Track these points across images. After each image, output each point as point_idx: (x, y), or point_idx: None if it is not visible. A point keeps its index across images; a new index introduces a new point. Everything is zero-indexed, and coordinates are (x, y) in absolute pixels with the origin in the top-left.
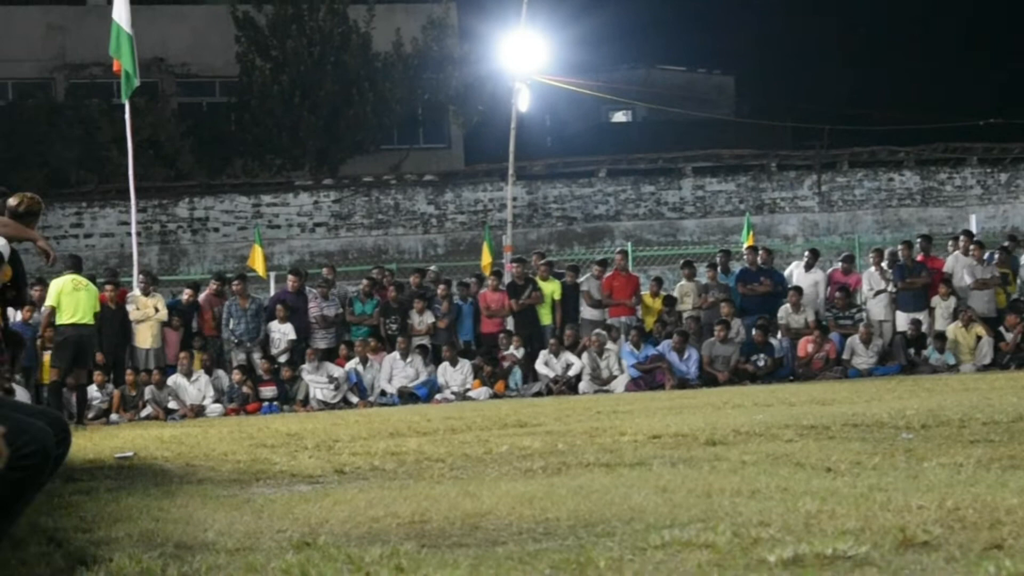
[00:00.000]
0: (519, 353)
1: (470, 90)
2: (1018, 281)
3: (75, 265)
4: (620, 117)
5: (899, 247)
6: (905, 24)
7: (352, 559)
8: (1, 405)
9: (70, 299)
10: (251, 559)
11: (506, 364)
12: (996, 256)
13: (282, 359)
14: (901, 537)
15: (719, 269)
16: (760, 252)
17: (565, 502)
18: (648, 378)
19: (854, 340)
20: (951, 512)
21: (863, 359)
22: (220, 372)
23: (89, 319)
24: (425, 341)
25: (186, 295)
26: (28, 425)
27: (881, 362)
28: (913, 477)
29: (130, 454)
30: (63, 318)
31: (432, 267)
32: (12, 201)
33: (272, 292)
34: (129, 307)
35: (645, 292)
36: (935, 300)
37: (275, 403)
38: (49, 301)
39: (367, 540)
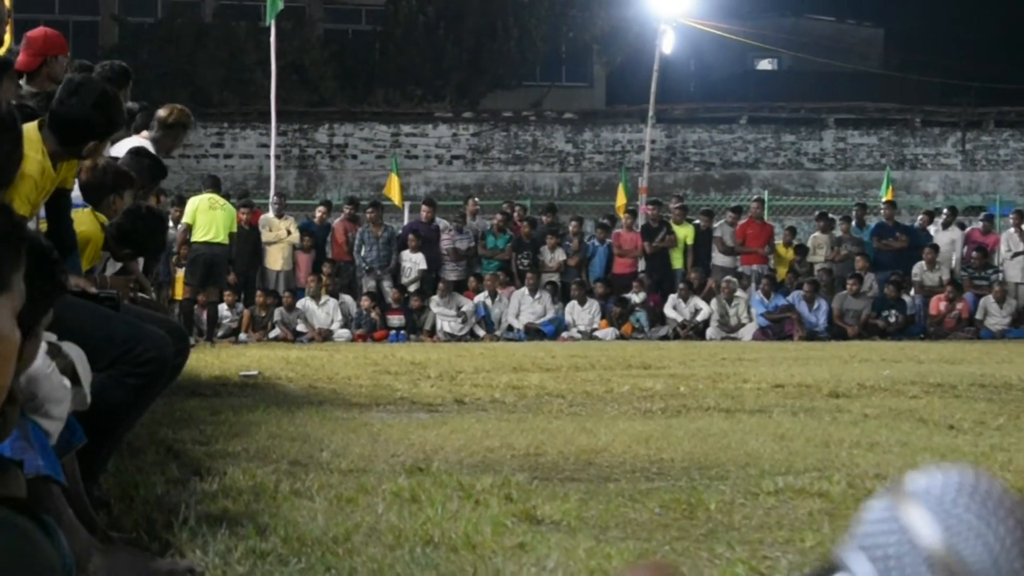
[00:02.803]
0: (638, 298)
1: (615, 30)
2: None
3: (214, 184)
4: (766, 65)
5: None
6: None
7: (463, 486)
8: (124, 311)
9: (205, 217)
10: (363, 480)
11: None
12: None
13: (412, 288)
14: (1021, 498)
15: (854, 222)
16: (894, 208)
17: (681, 443)
18: (776, 328)
19: (988, 300)
20: None
21: (996, 320)
22: (347, 298)
23: (223, 238)
24: (555, 278)
25: (319, 213)
26: (148, 332)
27: (1015, 324)
28: None
29: (255, 373)
30: (197, 236)
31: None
32: (162, 112)
33: (406, 222)
34: (262, 228)
35: (779, 242)
36: None
37: (402, 332)
38: (185, 219)
39: (480, 469)
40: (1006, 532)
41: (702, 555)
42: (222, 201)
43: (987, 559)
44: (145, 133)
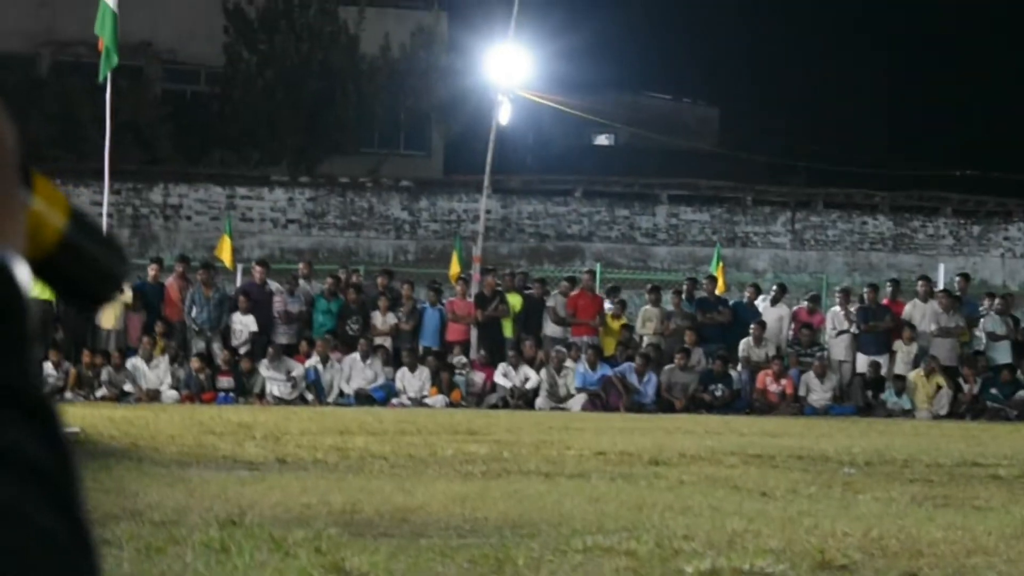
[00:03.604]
0: (461, 360)
1: (454, 100)
2: (976, 332)
3: None
4: (602, 140)
5: (865, 290)
6: (894, 73)
7: (274, 539)
8: None
9: None
10: (174, 532)
11: (456, 371)
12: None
13: (242, 350)
14: (820, 559)
15: (684, 296)
16: (717, 282)
17: (497, 504)
18: (604, 399)
19: (809, 375)
20: (874, 541)
21: (818, 395)
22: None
23: (47, 295)
24: (387, 343)
25: (152, 272)
26: None
27: (838, 401)
28: (845, 507)
29: (76, 430)
30: None
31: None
32: None
33: (239, 284)
34: None
35: (608, 314)
36: (897, 344)
37: (231, 394)
38: None
39: (294, 524)
40: None
41: None
42: None
43: None
44: None
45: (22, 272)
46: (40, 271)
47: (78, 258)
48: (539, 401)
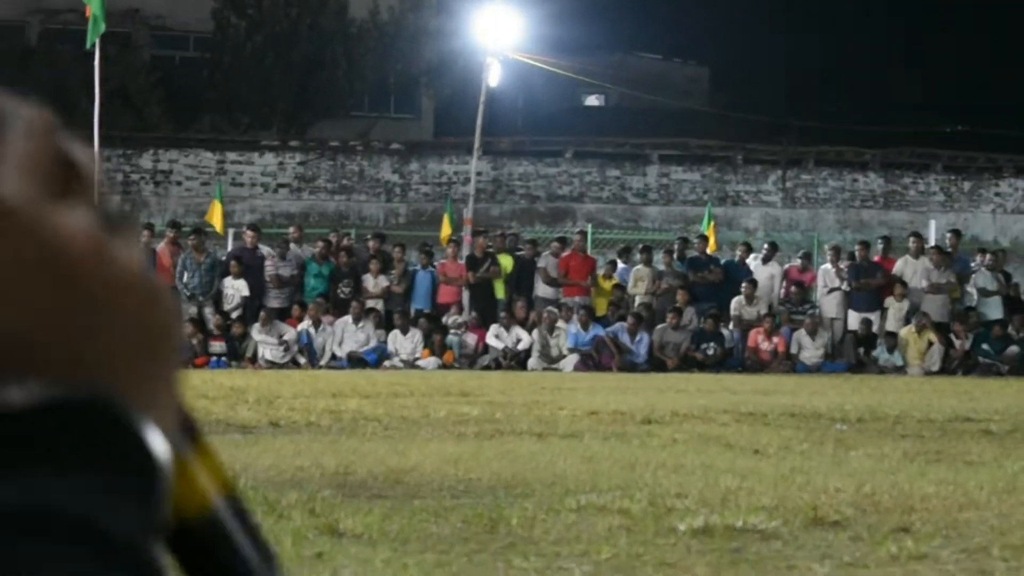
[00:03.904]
0: (457, 320)
1: (443, 63)
2: (967, 288)
3: None
4: (593, 101)
5: (857, 247)
6: (883, 29)
7: (269, 501)
8: None
9: None
10: None
11: (451, 331)
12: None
13: (234, 315)
14: (812, 515)
15: (675, 256)
16: (708, 242)
17: (490, 464)
18: (596, 359)
19: (800, 333)
20: (867, 496)
21: (810, 352)
22: None
23: None
24: (379, 305)
25: (143, 237)
26: None
27: (830, 358)
28: (837, 463)
29: None
30: None
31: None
32: None
33: (230, 249)
34: None
35: (600, 274)
36: (888, 301)
37: (223, 358)
38: None
39: (287, 486)
40: None
41: (499, 567)
42: None
43: None
44: None
45: (155, 438)
46: (172, 540)
47: (219, 541)
48: (531, 362)
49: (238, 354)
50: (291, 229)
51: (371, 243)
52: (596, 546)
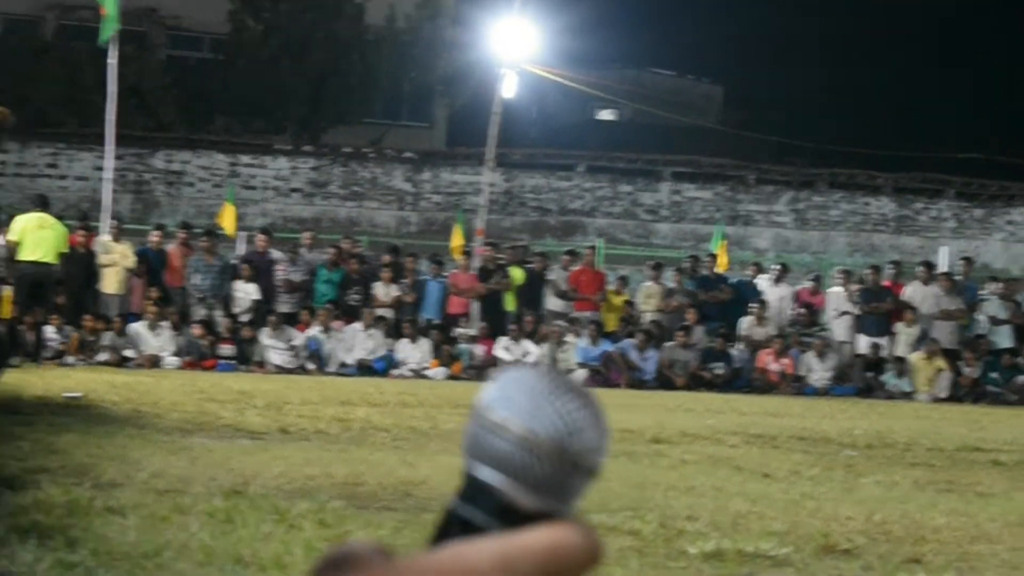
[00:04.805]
0: (468, 331)
1: (458, 73)
2: (977, 316)
3: (42, 203)
4: (607, 115)
5: (867, 271)
6: (898, 54)
7: (278, 510)
8: None
9: (33, 236)
10: (179, 501)
11: (459, 342)
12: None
13: (244, 318)
14: (824, 543)
15: (686, 274)
16: (719, 260)
17: None
18: (605, 375)
19: (809, 355)
20: (878, 525)
21: (818, 375)
22: (184, 327)
23: (51, 258)
24: (389, 314)
25: (154, 238)
26: None
27: (838, 382)
28: (848, 490)
29: (79, 394)
30: (24, 255)
31: (398, 245)
32: None
33: (241, 252)
34: (97, 252)
35: (610, 289)
36: (898, 326)
37: (232, 362)
38: (12, 236)
39: (297, 495)
40: (561, 401)
41: None
42: (52, 221)
43: (560, 425)
44: None
45: None
46: None
47: None
48: None
49: (247, 357)
50: (305, 235)
51: (385, 257)
52: (608, 569)
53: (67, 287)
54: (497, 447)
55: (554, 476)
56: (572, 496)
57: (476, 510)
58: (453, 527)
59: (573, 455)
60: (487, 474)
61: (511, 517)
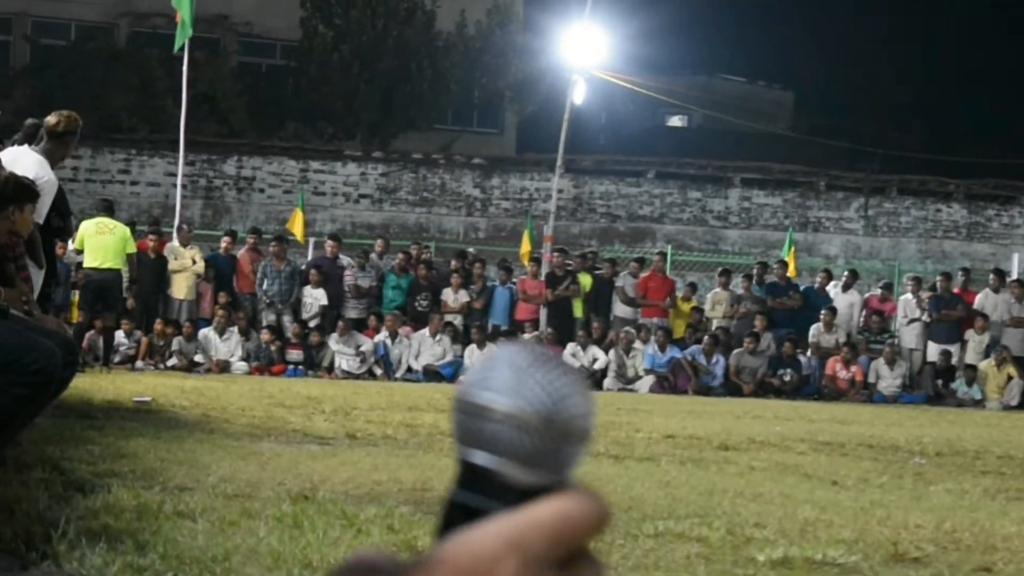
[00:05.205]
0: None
1: (528, 79)
2: None
3: (105, 208)
4: (676, 122)
5: (938, 278)
6: (971, 62)
7: (347, 515)
8: (16, 322)
9: (93, 242)
10: (247, 505)
11: None
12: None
13: (312, 324)
14: (893, 551)
15: (754, 281)
16: (788, 267)
17: None
18: (673, 381)
19: (879, 362)
20: (947, 533)
21: (887, 382)
22: (252, 333)
23: (113, 263)
24: (457, 320)
25: (224, 244)
26: (37, 343)
27: (908, 390)
28: (917, 498)
29: (148, 399)
30: (87, 261)
31: (471, 249)
32: (51, 119)
33: (310, 258)
34: (168, 257)
35: (679, 296)
36: (969, 333)
37: (300, 367)
38: (75, 244)
39: (365, 500)
40: (546, 376)
41: None
42: (112, 224)
43: (546, 399)
44: (35, 147)
45: None
46: None
47: None
48: (607, 382)
49: (315, 363)
50: (377, 242)
51: (454, 263)
52: (674, 574)
53: (138, 291)
54: (485, 429)
55: (546, 448)
56: (568, 465)
57: (475, 495)
58: (456, 517)
59: (562, 424)
60: (480, 457)
61: (511, 496)
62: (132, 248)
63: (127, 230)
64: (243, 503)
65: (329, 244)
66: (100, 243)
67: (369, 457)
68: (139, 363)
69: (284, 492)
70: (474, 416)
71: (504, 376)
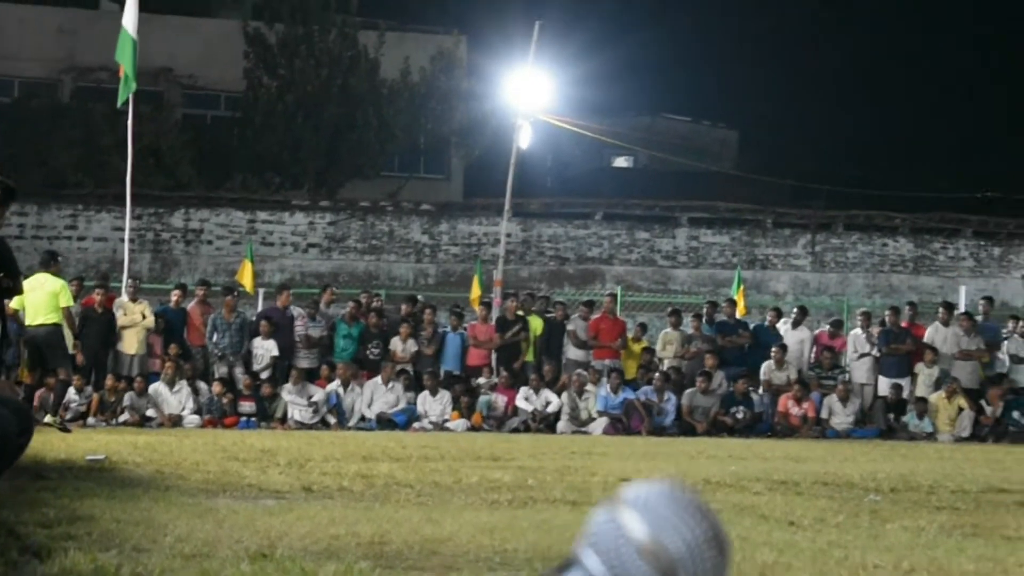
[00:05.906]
0: (487, 381)
1: (474, 124)
2: (998, 355)
3: (43, 261)
4: (622, 162)
5: (887, 312)
6: (912, 95)
7: (306, 572)
8: None
9: (27, 300)
10: (206, 565)
11: (482, 392)
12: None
13: (264, 375)
14: None
15: (704, 320)
16: (737, 305)
17: (526, 534)
18: (626, 423)
19: (831, 399)
20: (907, 573)
21: (840, 418)
22: (202, 385)
23: (46, 318)
24: (408, 367)
25: (174, 297)
26: None
27: (860, 424)
28: (874, 537)
29: (102, 457)
30: (26, 320)
31: (420, 296)
32: None
33: (260, 308)
34: (116, 312)
35: (630, 336)
36: (919, 367)
37: (253, 419)
38: (14, 304)
39: (324, 556)
40: (698, 526)
41: None
42: (43, 279)
43: (683, 547)
44: None
45: None
46: None
47: None
48: (560, 425)
49: (268, 414)
50: (326, 292)
51: (404, 307)
52: None
53: (85, 347)
54: (614, 544)
55: None
56: None
57: None
58: None
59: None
60: (593, 562)
61: None
62: (67, 302)
63: (58, 283)
64: (201, 563)
65: (284, 295)
66: (31, 300)
67: (326, 511)
68: (91, 419)
69: (242, 550)
70: (615, 528)
71: (664, 510)
